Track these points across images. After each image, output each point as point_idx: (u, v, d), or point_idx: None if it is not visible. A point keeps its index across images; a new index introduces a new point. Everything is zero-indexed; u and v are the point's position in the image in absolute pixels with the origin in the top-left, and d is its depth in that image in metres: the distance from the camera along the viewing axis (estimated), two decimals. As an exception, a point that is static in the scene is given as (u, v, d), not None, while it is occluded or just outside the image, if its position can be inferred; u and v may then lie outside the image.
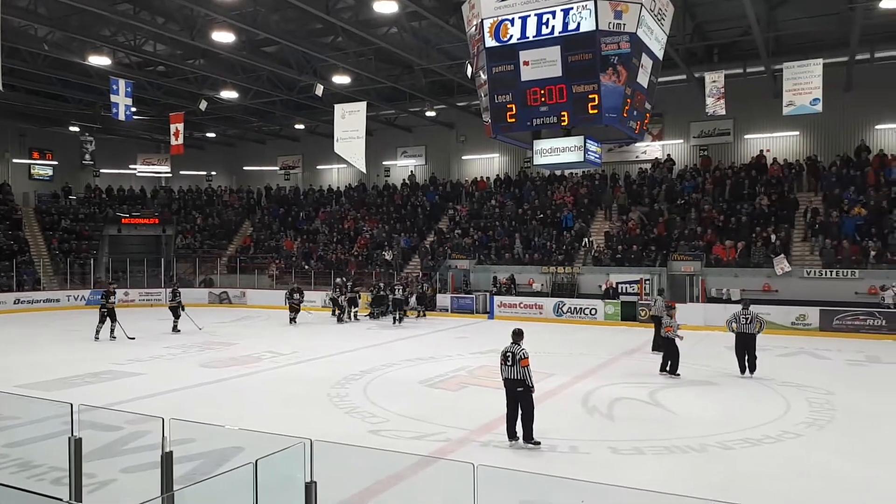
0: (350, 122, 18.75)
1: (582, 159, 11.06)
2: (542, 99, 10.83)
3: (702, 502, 3.95)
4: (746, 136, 26.56)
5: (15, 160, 33.42)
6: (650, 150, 28.02)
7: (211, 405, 10.33)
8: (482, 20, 11.04)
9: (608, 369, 13.66)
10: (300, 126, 32.93)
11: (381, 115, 30.24)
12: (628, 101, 10.62)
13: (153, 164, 36.76)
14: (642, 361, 14.47)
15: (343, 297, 22.49)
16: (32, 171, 34.17)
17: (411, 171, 33.71)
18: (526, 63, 10.81)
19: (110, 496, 6.36)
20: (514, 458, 7.74)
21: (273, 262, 30.45)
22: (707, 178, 25.66)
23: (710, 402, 10.74)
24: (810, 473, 7.44)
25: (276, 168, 37.76)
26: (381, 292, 23.55)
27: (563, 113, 10.73)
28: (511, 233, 26.80)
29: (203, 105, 25.67)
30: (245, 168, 38.55)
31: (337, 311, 22.35)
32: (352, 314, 22.72)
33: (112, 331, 17.47)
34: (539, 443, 8.08)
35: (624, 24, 10.23)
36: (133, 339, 17.29)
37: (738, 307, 13.18)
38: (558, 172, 27.72)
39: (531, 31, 10.68)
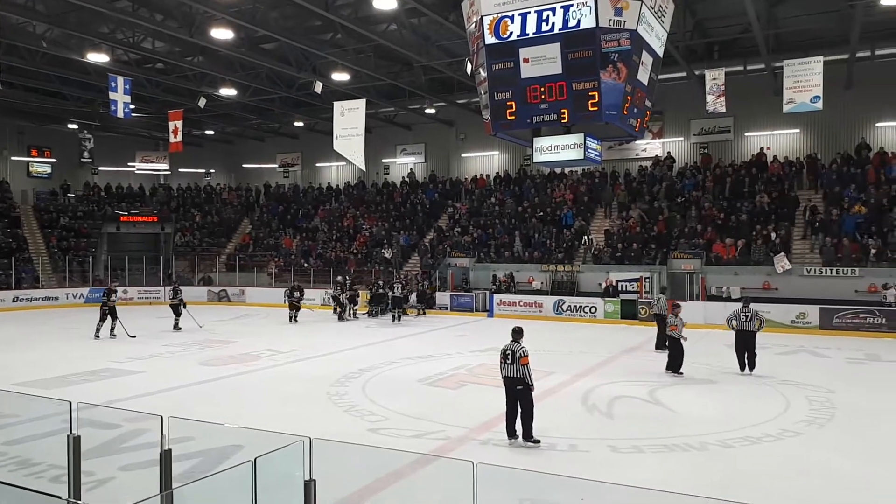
0: (349, 120, 18.71)
1: (582, 157, 11.06)
2: (542, 96, 10.81)
3: (702, 501, 3.94)
4: (747, 134, 26.54)
5: (13, 158, 33.37)
6: (650, 147, 28.00)
7: (210, 403, 10.32)
8: (482, 17, 11.02)
9: (608, 367, 13.65)
10: (299, 123, 32.90)
11: (380, 113, 30.20)
12: (628, 98, 10.61)
13: (152, 162, 36.69)
14: (642, 360, 14.46)
15: (344, 294, 22.49)
16: (31, 168, 34.12)
17: (411, 169, 33.68)
18: (526, 60, 10.79)
19: (109, 494, 6.35)
20: (513, 456, 7.72)
21: (272, 260, 30.42)
22: (707, 176, 25.63)
23: (710, 401, 10.73)
24: (810, 472, 7.43)
25: (276, 166, 37.69)
26: (380, 290, 23.54)
27: (563, 110, 10.71)
28: (511, 231, 26.78)
29: (202, 102, 25.63)
30: (244, 166, 38.51)
31: (338, 309, 22.36)
32: (352, 312, 22.73)
33: (112, 329, 17.44)
34: (538, 441, 8.06)
35: (624, 21, 10.21)
36: (134, 337, 17.28)
37: (739, 305, 13.17)
38: (558, 170, 27.69)
39: (531, 28, 10.66)
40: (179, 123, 23.87)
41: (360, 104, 18.88)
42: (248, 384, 11.94)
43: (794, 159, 24.89)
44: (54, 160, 34.53)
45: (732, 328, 12.75)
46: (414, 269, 27.18)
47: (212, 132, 35.71)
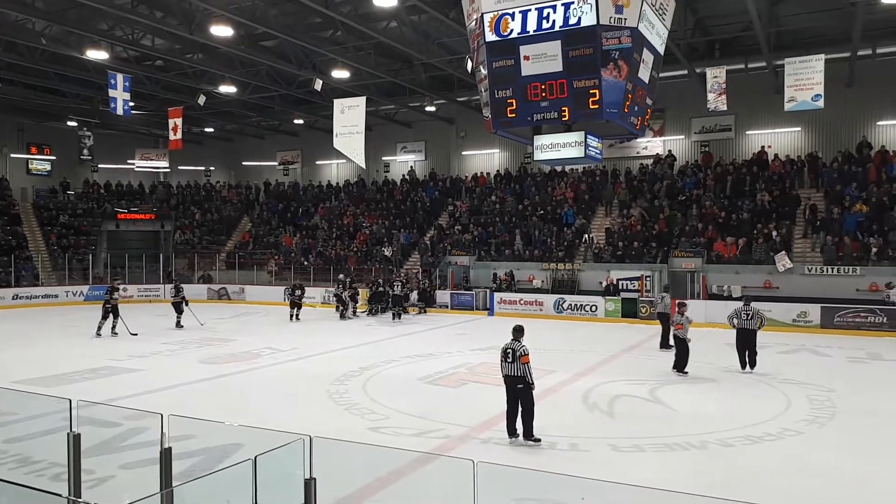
0: (349, 118, 18.70)
1: (582, 155, 11.01)
2: (543, 94, 10.76)
3: (702, 499, 3.93)
4: (748, 132, 26.51)
5: (13, 155, 33.35)
6: (651, 145, 27.96)
7: (210, 401, 10.31)
8: (482, 14, 10.97)
9: (608, 366, 13.64)
10: (299, 121, 32.86)
11: (380, 111, 30.15)
12: (629, 96, 10.57)
13: (151, 160, 36.63)
14: (643, 358, 14.45)
15: (345, 292, 22.49)
16: (30, 165, 34.09)
17: (411, 167, 33.65)
18: (526, 58, 10.74)
19: (109, 492, 6.34)
20: (514, 455, 7.72)
21: (272, 258, 30.40)
22: (708, 175, 25.61)
23: (711, 399, 10.72)
24: (811, 471, 7.42)
25: (275, 163, 37.67)
26: (380, 288, 23.53)
27: (563, 108, 10.66)
28: (511, 229, 26.76)
29: (202, 100, 25.59)
30: (244, 163, 38.48)
31: (340, 307, 22.35)
32: (352, 310, 22.72)
33: (113, 327, 17.42)
34: (539, 440, 8.05)
35: (625, 19, 10.17)
36: (136, 335, 17.27)
37: (740, 303, 13.16)
38: (559, 168, 27.67)
39: (532, 26, 10.62)
40: (179, 121, 23.87)
41: (361, 102, 18.88)
42: (249, 382, 11.93)
43: (795, 158, 24.86)
44: (54, 157, 34.50)
45: (733, 326, 12.75)
46: (414, 267, 27.17)
47: (211, 130, 35.66)
